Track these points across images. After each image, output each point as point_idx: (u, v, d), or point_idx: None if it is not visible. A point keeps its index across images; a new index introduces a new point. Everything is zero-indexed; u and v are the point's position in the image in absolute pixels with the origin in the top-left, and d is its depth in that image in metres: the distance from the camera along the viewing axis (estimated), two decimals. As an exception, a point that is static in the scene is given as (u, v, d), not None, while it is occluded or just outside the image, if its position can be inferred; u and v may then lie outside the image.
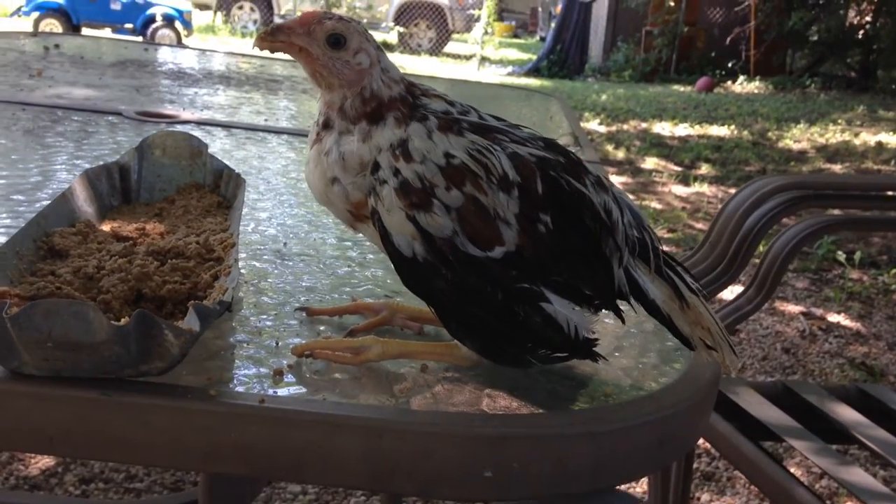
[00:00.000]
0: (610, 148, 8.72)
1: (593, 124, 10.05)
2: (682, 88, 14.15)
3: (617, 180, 7.26)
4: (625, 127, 10.13)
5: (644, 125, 10.34)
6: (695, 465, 2.92)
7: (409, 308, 0.91)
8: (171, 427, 0.71)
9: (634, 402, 0.80)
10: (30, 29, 12.32)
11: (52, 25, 12.52)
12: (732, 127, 10.34)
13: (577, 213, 0.78)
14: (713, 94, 13.45)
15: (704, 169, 8.05)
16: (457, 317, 0.78)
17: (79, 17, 12.73)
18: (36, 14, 12.53)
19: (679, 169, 7.97)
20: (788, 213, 2.08)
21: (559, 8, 16.19)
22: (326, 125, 0.82)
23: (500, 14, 24.45)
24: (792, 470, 2.79)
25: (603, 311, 0.83)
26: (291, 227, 1.21)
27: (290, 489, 2.47)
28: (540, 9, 26.13)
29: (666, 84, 14.69)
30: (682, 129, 10.13)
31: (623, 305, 0.84)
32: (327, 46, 0.80)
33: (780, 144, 9.41)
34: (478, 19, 15.97)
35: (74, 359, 0.68)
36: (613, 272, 0.80)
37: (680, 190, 7.17)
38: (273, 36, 0.79)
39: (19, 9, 12.97)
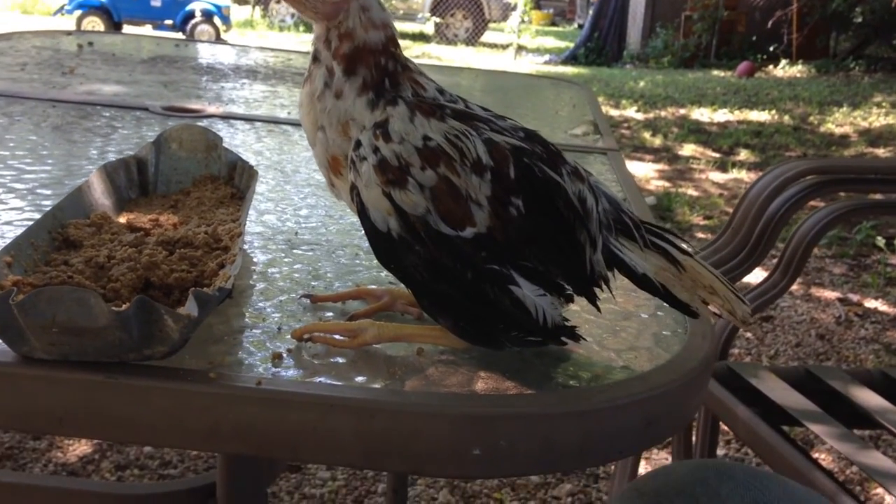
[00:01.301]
0: (647, 135, 8.64)
1: (630, 111, 9.97)
2: (722, 74, 13.94)
3: (653, 167, 7.21)
4: (662, 114, 10.02)
5: (682, 111, 10.22)
6: (724, 452, 2.91)
7: (410, 294, 0.94)
8: (172, 408, 0.74)
9: (623, 383, 0.82)
10: (72, 27, 12.58)
11: (94, 23, 12.76)
12: (773, 112, 10.17)
13: (549, 199, 0.80)
14: (754, 79, 13.23)
15: (743, 155, 7.95)
16: (428, 293, 0.81)
17: (120, 14, 12.97)
18: (78, 12, 12.79)
19: (717, 155, 7.88)
20: (812, 198, 2.06)
21: (597, -5, 16.05)
22: (315, 57, 0.86)
23: (538, 2, 24.31)
24: (822, 456, 2.78)
25: (582, 298, 0.85)
26: (304, 217, 1.24)
27: (319, 475, 2.52)
28: (578, -4, 25.90)
29: (706, 70, 14.49)
30: (722, 115, 10.00)
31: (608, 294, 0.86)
32: None
33: (822, 129, 9.24)
34: (514, 8, 15.90)
35: (79, 343, 0.72)
36: (586, 258, 0.82)
37: (717, 176, 7.09)
38: None
39: (62, 7, 13.24)
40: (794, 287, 4.34)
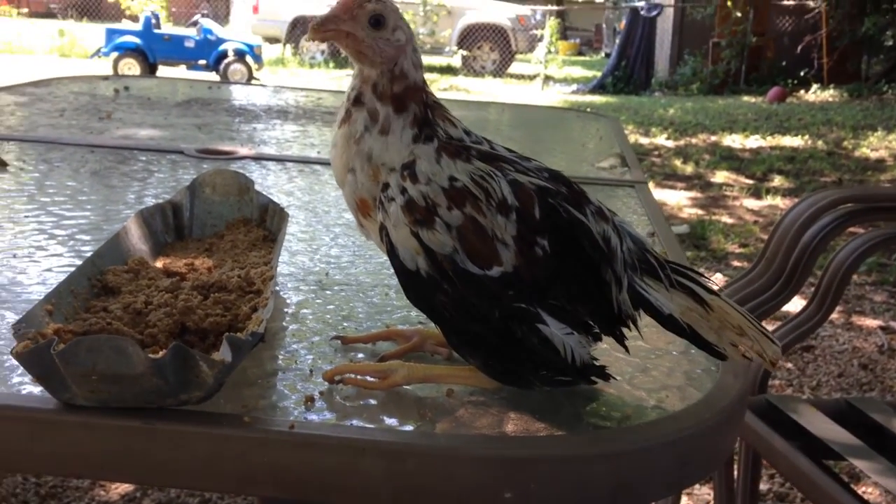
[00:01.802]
0: (678, 162, 8.61)
1: (661, 139, 9.95)
2: (752, 100, 13.87)
3: (685, 195, 7.18)
4: (693, 141, 9.99)
5: (714, 138, 10.18)
6: (768, 486, 2.86)
7: (439, 334, 0.95)
8: (208, 453, 0.76)
9: (654, 424, 0.81)
10: (109, 69, 12.88)
11: (131, 65, 13.05)
12: (806, 137, 10.09)
13: (574, 239, 0.81)
14: (785, 104, 13.15)
15: (777, 181, 7.88)
16: (457, 332, 0.83)
17: (155, 55, 13.25)
18: (115, 54, 13.08)
19: (751, 182, 7.82)
20: (846, 227, 2.04)
21: (623, 24, 16.10)
22: (358, 100, 0.87)
23: (564, 33, 24.45)
24: (868, 490, 2.71)
25: (612, 338, 0.85)
26: (335, 257, 1.26)
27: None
28: (604, 25, 26.02)
29: (736, 96, 14.43)
30: (754, 141, 9.94)
31: (633, 332, 0.86)
32: (370, 27, 0.85)
33: (857, 153, 9.15)
34: (541, 39, 16.01)
35: (118, 390, 0.74)
36: (612, 297, 0.82)
37: (752, 203, 7.04)
38: (323, 27, 0.85)
39: (99, 50, 13.57)
40: (835, 315, 4.27)
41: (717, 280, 4.91)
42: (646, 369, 0.94)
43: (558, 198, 0.83)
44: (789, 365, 3.79)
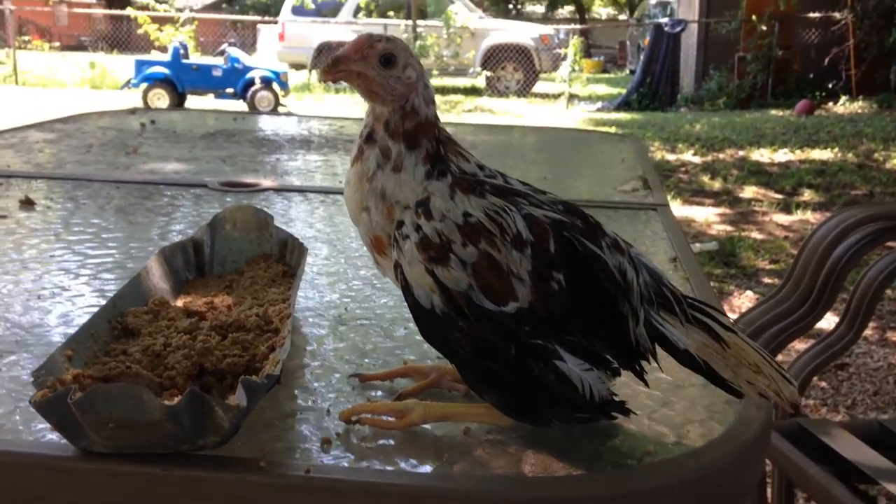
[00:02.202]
0: (706, 178, 8.55)
1: (687, 155, 9.89)
2: (780, 113, 13.76)
3: (714, 211, 7.12)
4: (721, 156, 9.92)
5: (741, 153, 10.10)
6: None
7: (457, 370, 0.94)
8: (225, 498, 0.76)
9: (675, 461, 0.80)
10: (139, 100, 13.10)
11: (160, 95, 13.26)
12: (836, 149, 9.98)
13: (590, 273, 0.81)
14: (814, 117, 13.02)
15: (807, 195, 7.79)
16: (473, 370, 0.82)
17: (183, 85, 13.45)
18: (144, 85, 13.31)
19: (780, 196, 7.74)
20: (875, 245, 2.01)
21: (647, 40, 16.08)
22: (370, 138, 0.87)
23: (588, 50, 24.47)
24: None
25: (631, 372, 0.84)
26: (354, 291, 1.26)
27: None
28: (628, 42, 26.01)
29: (763, 110, 14.32)
30: (782, 155, 9.85)
31: (652, 364, 0.85)
32: (380, 66, 0.85)
33: (888, 165, 9.02)
34: (565, 58, 16.03)
35: (135, 437, 0.74)
36: (629, 331, 0.81)
37: (782, 218, 6.96)
38: (334, 67, 0.85)
39: (129, 81, 13.81)
40: (869, 332, 4.20)
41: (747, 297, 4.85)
42: (667, 403, 0.93)
43: (573, 231, 0.83)
44: (823, 384, 3.73)
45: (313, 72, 17.02)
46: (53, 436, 0.79)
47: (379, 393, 0.94)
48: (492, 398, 0.83)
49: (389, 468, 0.79)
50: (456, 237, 0.80)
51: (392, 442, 0.83)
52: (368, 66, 0.85)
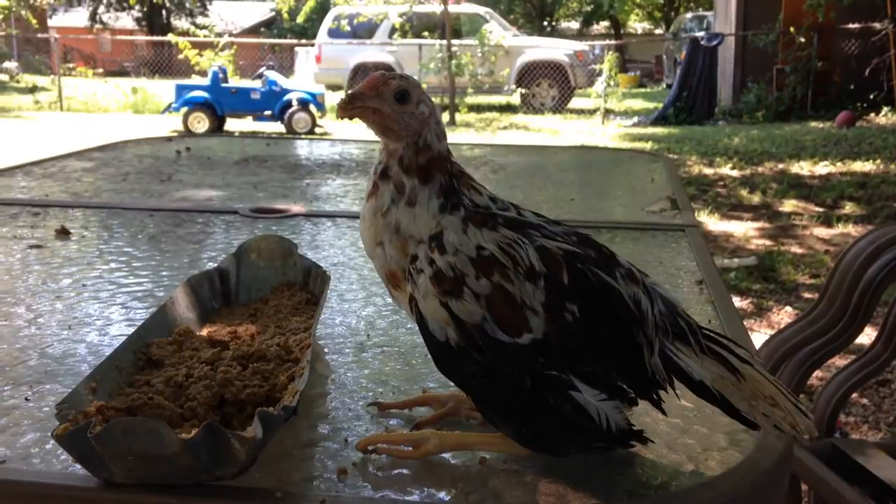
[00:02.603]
0: (744, 192, 8.46)
1: (725, 169, 9.80)
2: (820, 125, 13.58)
3: (752, 226, 7.03)
4: (760, 169, 9.81)
5: (781, 166, 9.98)
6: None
7: (475, 399, 0.95)
8: (242, 528, 0.77)
9: (692, 490, 0.80)
10: (180, 123, 13.34)
11: (200, 118, 13.50)
12: (878, 161, 9.81)
13: (604, 303, 0.81)
14: (855, 129, 12.83)
15: (849, 208, 7.67)
16: (488, 401, 0.83)
17: (223, 108, 13.68)
18: (185, 109, 13.56)
19: (821, 210, 7.63)
20: (911, 263, 1.97)
21: (684, 54, 15.99)
22: (384, 174, 0.88)
23: (624, 65, 24.39)
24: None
25: (648, 401, 0.84)
26: (375, 318, 1.27)
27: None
28: (664, 56, 25.88)
29: (803, 122, 14.14)
30: (823, 168, 9.71)
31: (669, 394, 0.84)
32: (395, 103, 0.87)
33: (932, 176, 8.84)
34: (600, 73, 16.00)
35: (154, 468, 0.76)
36: (645, 361, 0.81)
37: (822, 232, 6.86)
38: (351, 104, 0.87)
39: (170, 105, 14.08)
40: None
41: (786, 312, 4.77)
42: (686, 430, 0.92)
43: (587, 262, 0.83)
44: (865, 401, 3.66)
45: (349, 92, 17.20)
46: (78, 467, 0.81)
47: (397, 421, 0.95)
48: (507, 429, 0.83)
49: (405, 498, 0.79)
50: (469, 270, 0.81)
51: (408, 472, 0.84)
52: (384, 102, 0.87)
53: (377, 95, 0.87)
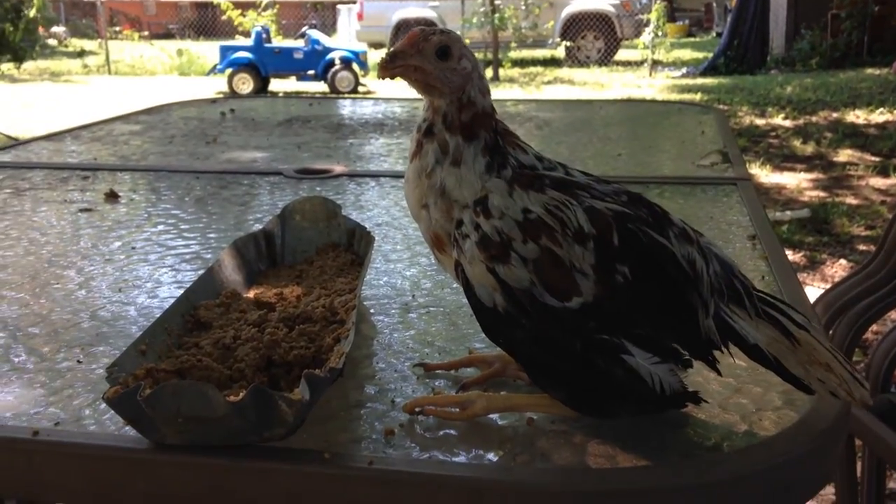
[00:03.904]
0: (797, 143, 8.24)
1: (778, 119, 9.55)
2: (877, 72, 13.12)
3: (806, 177, 6.87)
4: (813, 119, 9.53)
5: (836, 115, 9.69)
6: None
7: (521, 359, 0.94)
8: (291, 489, 0.77)
9: (745, 451, 0.78)
10: (224, 85, 13.41)
11: (244, 79, 13.54)
12: (938, 107, 9.47)
13: (657, 264, 0.78)
14: (914, 74, 12.38)
15: (906, 157, 7.43)
16: (538, 366, 0.81)
17: (266, 69, 13.69)
18: (229, 70, 13.60)
19: (877, 159, 7.40)
20: (975, 214, 1.90)
21: (735, 1, 15.52)
22: (429, 132, 0.86)
23: (672, 14, 23.76)
24: None
25: (703, 362, 0.82)
26: (420, 278, 1.26)
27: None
28: (714, 4, 25.16)
29: (858, 69, 13.68)
30: (880, 116, 9.41)
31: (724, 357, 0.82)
32: (436, 59, 0.85)
33: None
34: (647, 23, 15.62)
35: (204, 430, 0.76)
36: (699, 323, 0.79)
37: (879, 182, 6.66)
38: (392, 63, 0.85)
39: (215, 67, 14.14)
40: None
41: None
42: (740, 390, 0.90)
43: (638, 222, 0.81)
44: (924, 356, 3.56)
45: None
46: (129, 428, 0.82)
47: (443, 382, 0.95)
48: (558, 394, 0.82)
49: (452, 459, 0.79)
50: (516, 234, 0.79)
51: (455, 432, 0.83)
52: (425, 59, 0.85)
53: (418, 52, 0.85)
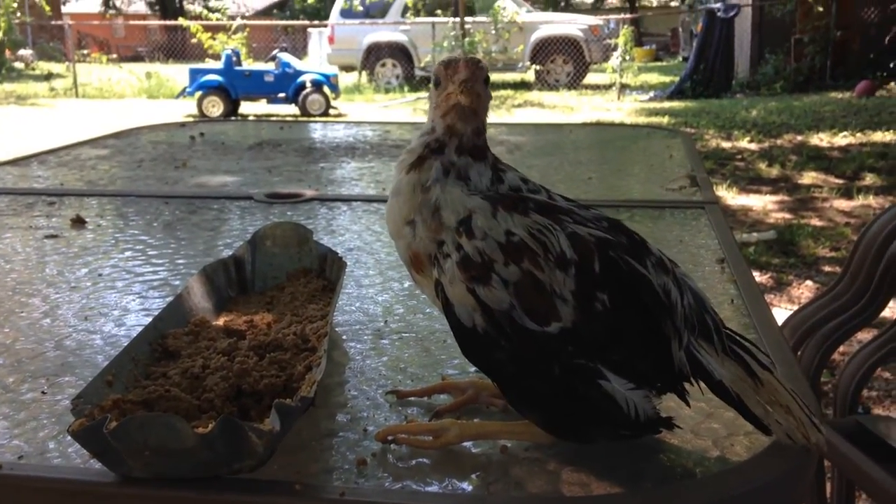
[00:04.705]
0: (763, 165, 8.37)
1: (744, 142, 9.69)
2: (840, 95, 13.40)
3: (771, 199, 6.96)
4: (778, 142, 9.69)
5: (800, 138, 9.86)
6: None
7: (494, 386, 0.93)
8: (262, 521, 0.76)
9: (718, 477, 0.78)
10: (194, 108, 13.34)
11: (214, 102, 13.49)
12: (899, 131, 9.67)
13: (635, 293, 0.79)
14: (875, 98, 12.65)
15: (869, 179, 7.57)
16: (516, 389, 0.81)
17: (237, 92, 13.66)
18: (199, 93, 13.55)
19: (841, 181, 7.54)
20: (936, 236, 1.93)
21: (700, 26, 15.79)
22: (438, 151, 0.86)
23: (639, 39, 24.12)
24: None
25: (674, 393, 0.82)
26: (393, 303, 1.26)
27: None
28: (680, 29, 25.58)
29: (822, 92, 13.96)
30: (843, 139, 9.58)
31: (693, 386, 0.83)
32: (484, 87, 0.86)
33: (955, 145, 8.70)
34: (615, 48, 15.83)
35: (172, 463, 0.75)
36: (672, 353, 0.79)
37: (843, 204, 6.77)
38: (472, 90, 0.84)
39: (184, 90, 14.07)
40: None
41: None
42: (711, 415, 0.90)
43: (618, 250, 0.81)
44: (887, 375, 3.62)
45: (363, 73, 17.15)
46: (95, 461, 0.80)
47: (416, 409, 0.94)
48: (534, 417, 0.82)
49: (426, 489, 0.78)
50: (498, 256, 0.79)
51: (428, 461, 0.83)
52: (482, 87, 0.86)
53: (479, 80, 0.85)
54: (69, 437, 0.81)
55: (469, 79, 0.84)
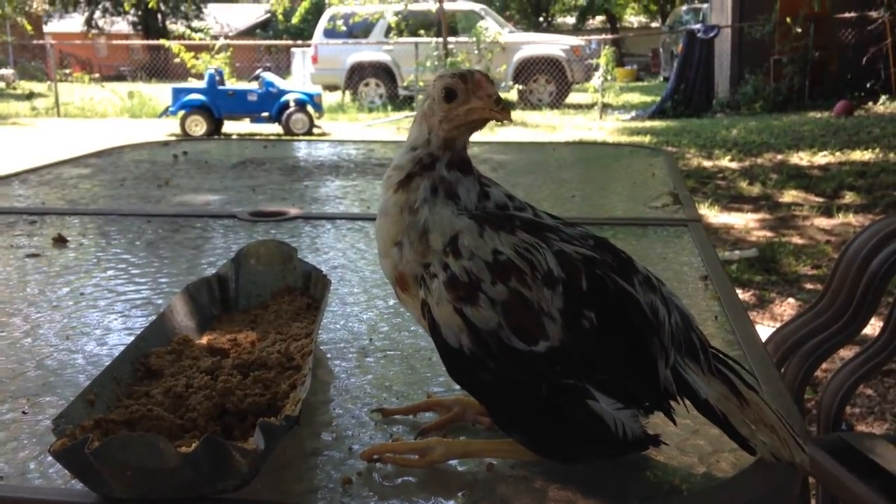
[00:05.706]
0: (744, 184, 8.43)
1: (724, 161, 9.77)
2: (818, 115, 13.56)
3: (753, 217, 7.02)
4: (759, 161, 9.78)
5: (780, 157, 9.96)
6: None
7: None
8: (246, 541, 0.75)
9: (704, 494, 0.78)
10: (177, 127, 13.31)
11: (197, 121, 13.47)
12: (877, 150, 9.79)
13: (622, 311, 0.79)
14: (853, 118, 12.81)
15: (849, 197, 7.65)
16: (502, 409, 0.80)
17: (220, 111, 13.64)
18: (182, 112, 13.53)
19: (821, 200, 7.61)
20: (916, 254, 1.95)
21: (681, 47, 15.96)
22: (429, 167, 0.85)
23: (620, 59, 24.33)
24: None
25: (660, 412, 0.82)
26: (378, 321, 1.25)
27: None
28: (661, 49, 25.84)
29: (801, 112, 14.12)
30: (822, 158, 9.69)
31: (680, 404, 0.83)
32: (494, 102, 0.85)
33: (932, 163, 8.82)
34: (597, 68, 15.96)
35: (154, 483, 0.74)
36: (658, 371, 0.79)
37: (823, 222, 6.84)
38: (504, 111, 0.84)
39: (167, 109, 14.04)
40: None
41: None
42: (697, 431, 0.90)
43: (605, 268, 0.81)
44: (870, 391, 3.64)
45: (346, 92, 17.18)
46: (77, 481, 0.79)
47: (402, 427, 0.93)
48: (521, 437, 0.81)
49: (410, 508, 0.77)
50: (485, 275, 0.79)
51: (414, 480, 0.82)
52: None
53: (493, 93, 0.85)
54: (50, 458, 0.80)
55: (499, 96, 0.84)
